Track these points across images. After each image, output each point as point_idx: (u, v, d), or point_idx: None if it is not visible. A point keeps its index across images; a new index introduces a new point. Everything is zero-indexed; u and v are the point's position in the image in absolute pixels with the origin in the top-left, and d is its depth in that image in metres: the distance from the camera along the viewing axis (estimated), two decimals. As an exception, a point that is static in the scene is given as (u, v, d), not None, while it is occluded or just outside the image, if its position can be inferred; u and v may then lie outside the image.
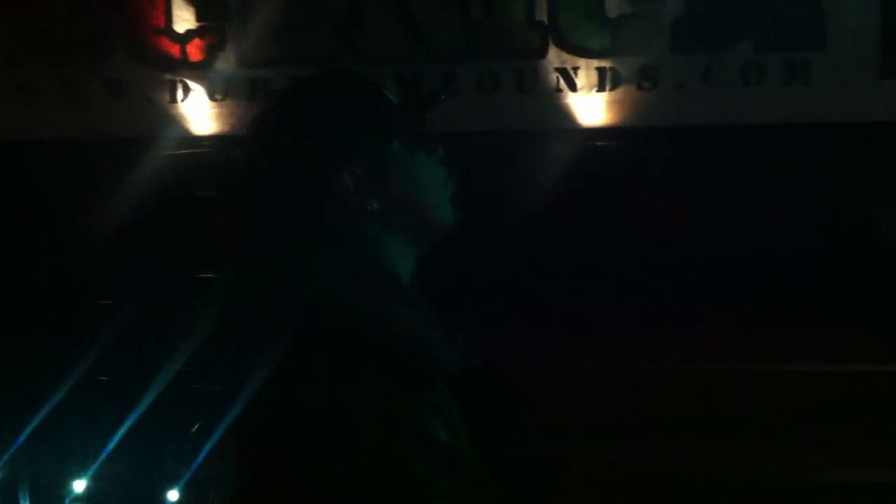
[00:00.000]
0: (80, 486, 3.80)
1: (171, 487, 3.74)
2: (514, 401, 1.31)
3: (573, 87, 4.50)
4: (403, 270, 1.34)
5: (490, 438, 1.21)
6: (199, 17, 4.73)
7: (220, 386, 1.26)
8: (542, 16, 4.49)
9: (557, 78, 4.50)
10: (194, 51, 4.75)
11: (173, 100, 4.77)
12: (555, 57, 4.50)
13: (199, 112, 4.75)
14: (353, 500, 1.08)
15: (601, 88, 4.48)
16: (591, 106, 4.48)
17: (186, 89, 4.76)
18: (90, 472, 3.77)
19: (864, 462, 3.77)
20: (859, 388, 4.15)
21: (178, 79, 4.77)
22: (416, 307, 1.26)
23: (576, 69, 4.49)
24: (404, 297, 1.27)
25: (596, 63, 4.49)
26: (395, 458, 1.09)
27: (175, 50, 4.76)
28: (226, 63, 4.73)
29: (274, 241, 1.30)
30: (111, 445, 3.68)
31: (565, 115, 4.49)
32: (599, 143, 4.48)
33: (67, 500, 3.77)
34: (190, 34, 4.74)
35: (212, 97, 4.74)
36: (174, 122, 4.75)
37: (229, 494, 1.23)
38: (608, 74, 4.48)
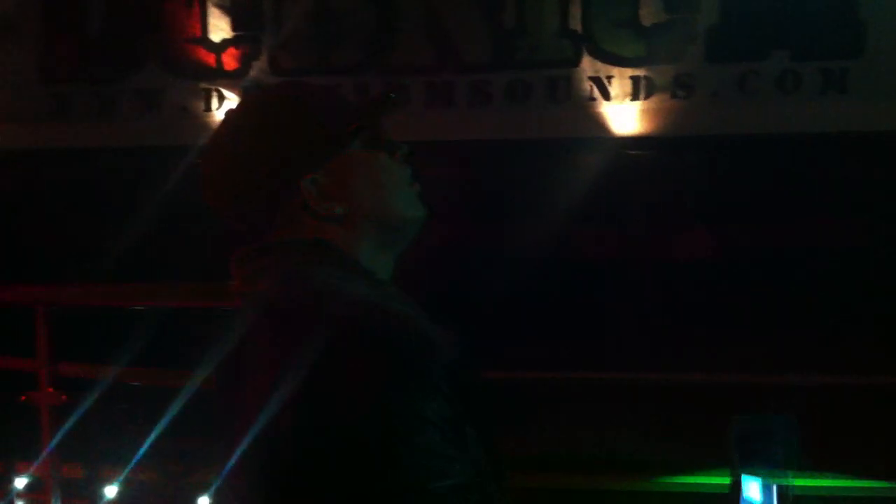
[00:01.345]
0: (111, 491, 3.83)
1: (202, 494, 3.76)
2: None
3: (607, 96, 4.47)
4: (382, 270, 1.35)
5: (481, 425, 1.22)
6: (234, 27, 4.78)
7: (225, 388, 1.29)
8: (576, 24, 4.48)
9: (591, 87, 4.48)
10: (229, 60, 4.80)
11: (208, 109, 4.82)
12: (588, 65, 4.48)
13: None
14: (352, 482, 1.10)
15: (635, 97, 4.45)
16: (624, 115, 4.45)
17: (221, 98, 4.80)
18: (121, 478, 3.80)
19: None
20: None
21: (213, 88, 4.82)
22: (399, 299, 1.27)
23: (609, 78, 4.46)
24: (385, 290, 1.29)
25: (630, 72, 4.46)
26: (404, 435, 1.10)
27: (210, 59, 4.81)
28: (260, 72, 4.77)
29: (252, 252, 1.32)
30: (142, 450, 3.70)
31: (599, 125, 4.46)
32: (633, 153, 4.45)
33: (98, 506, 3.80)
34: (225, 43, 4.79)
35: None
36: (208, 131, 4.77)
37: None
38: (642, 83, 4.45)
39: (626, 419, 3.96)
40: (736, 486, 2.66)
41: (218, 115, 4.84)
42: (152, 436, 3.62)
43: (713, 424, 2.85)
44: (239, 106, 1.38)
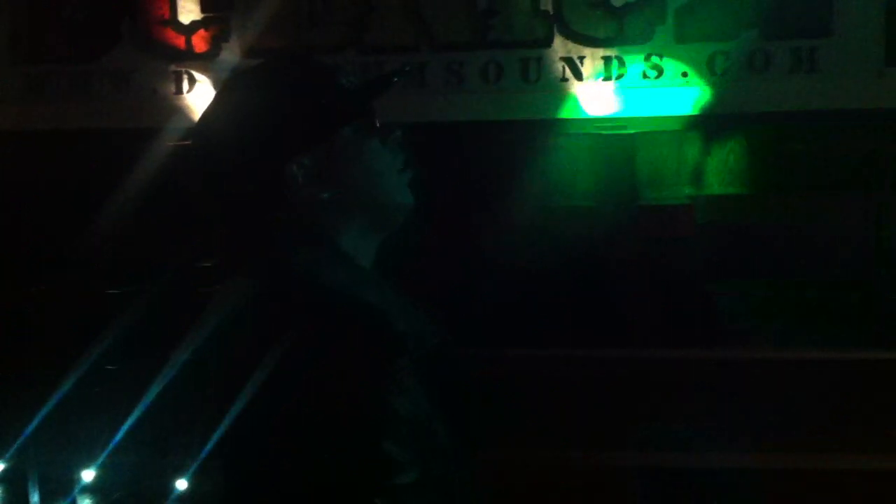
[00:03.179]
0: (88, 475, 3.81)
1: (180, 476, 3.75)
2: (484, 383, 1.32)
3: (579, 77, 4.49)
4: (364, 255, 1.33)
5: (454, 414, 1.22)
6: (204, 9, 4.74)
7: (208, 370, 1.29)
8: (548, 5, 4.49)
9: (563, 67, 4.50)
10: (199, 42, 4.76)
11: (178, 91, 4.78)
12: (560, 46, 4.50)
13: (204, 103, 4.74)
14: (317, 473, 1.10)
15: (607, 78, 4.48)
16: (597, 95, 4.47)
17: (192, 80, 4.77)
18: (98, 462, 3.78)
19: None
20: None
21: (182, 69, 4.78)
22: (377, 287, 1.26)
23: (581, 58, 4.49)
24: (363, 278, 1.28)
25: (602, 52, 4.48)
26: (358, 433, 1.10)
27: (180, 41, 4.76)
28: (231, 54, 4.74)
29: (232, 234, 1.31)
30: (119, 435, 3.69)
31: (571, 105, 4.49)
32: (606, 132, 4.48)
33: (76, 489, 3.78)
34: (195, 25, 4.74)
35: (217, 87, 4.73)
36: (178, 112, 4.74)
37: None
38: (614, 63, 4.47)
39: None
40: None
41: (187, 97, 4.80)
42: (130, 419, 3.62)
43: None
44: (231, 81, 1.34)
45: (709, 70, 4.39)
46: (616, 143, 4.49)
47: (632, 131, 4.49)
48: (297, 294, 1.19)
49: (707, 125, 4.44)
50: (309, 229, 1.27)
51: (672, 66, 4.43)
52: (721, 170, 4.54)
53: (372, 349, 1.13)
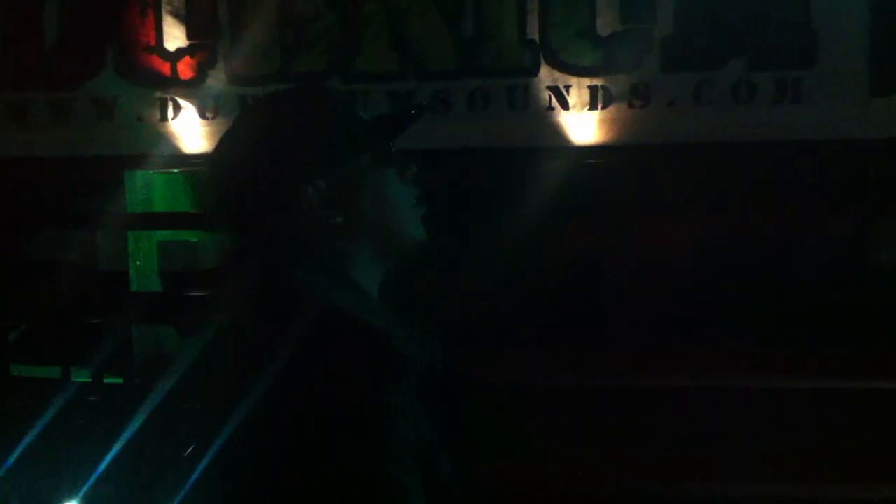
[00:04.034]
0: (70, 507, 3.75)
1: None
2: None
3: (565, 106, 4.50)
4: (370, 283, 1.34)
5: (453, 443, 1.22)
6: (189, 35, 4.73)
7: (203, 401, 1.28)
8: (534, 34, 4.51)
9: (549, 96, 4.51)
10: (185, 69, 4.75)
11: (163, 118, 4.76)
12: (546, 75, 4.51)
13: (189, 131, 4.74)
14: (322, 498, 1.09)
15: (593, 107, 4.49)
16: (583, 124, 4.49)
17: (177, 108, 4.75)
18: (81, 493, 3.72)
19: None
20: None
21: (168, 97, 4.76)
22: (381, 312, 1.28)
23: (567, 87, 4.50)
24: (367, 302, 1.29)
25: (588, 81, 4.50)
26: (361, 457, 1.09)
27: (165, 68, 4.75)
28: (216, 81, 4.73)
29: (242, 255, 1.32)
30: (102, 466, 3.64)
31: (557, 133, 4.49)
32: (592, 161, 4.49)
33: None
34: (180, 52, 4.74)
35: (202, 115, 4.73)
36: (163, 140, 4.73)
37: None
38: (600, 93, 4.49)
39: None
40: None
41: (173, 124, 4.78)
42: (115, 448, 3.57)
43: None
44: (253, 105, 1.38)
45: (694, 99, 4.41)
46: (601, 171, 4.51)
47: (616, 160, 4.50)
48: (297, 314, 1.17)
49: (692, 154, 4.45)
50: (318, 251, 1.28)
51: (658, 94, 4.45)
52: (705, 197, 4.56)
53: (374, 371, 1.13)
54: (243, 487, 1.16)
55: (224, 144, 1.35)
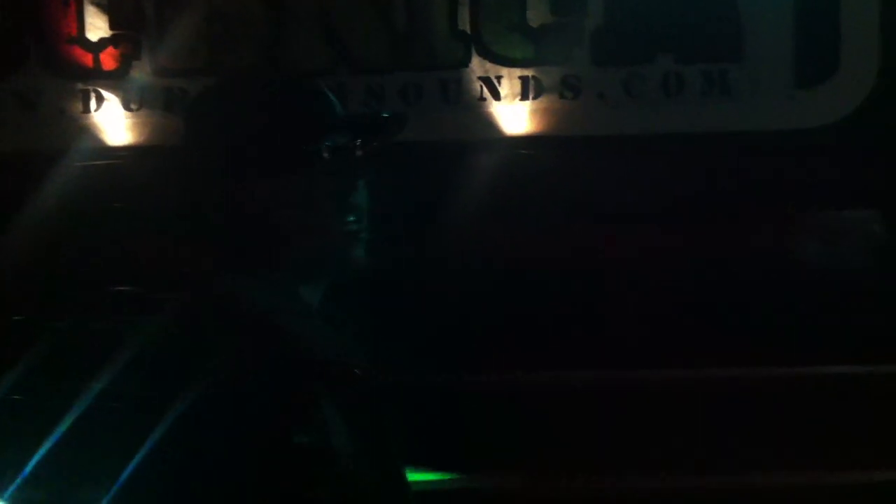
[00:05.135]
0: (-4, 511, 3.65)
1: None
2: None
3: (497, 97, 4.50)
4: (307, 292, 1.31)
5: (383, 456, 1.20)
6: (112, 26, 4.61)
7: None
8: (465, 25, 4.49)
9: (481, 87, 4.50)
10: (108, 60, 4.63)
11: (86, 110, 4.64)
12: (478, 66, 4.51)
13: (113, 123, 4.63)
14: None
15: (524, 98, 4.50)
16: (514, 115, 4.49)
17: (100, 99, 4.63)
18: (7, 494, 3.63)
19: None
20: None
21: (90, 88, 4.64)
22: (303, 318, 1.26)
23: (499, 78, 4.50)
24: (291, 307, 1.26)
25: (519, 72, 4.51)
26: (262, 467, 1.07)
27: (88, 59, 4.63)
28: (141, 73, 4.62)
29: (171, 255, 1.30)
30: (28, 468, 3.55)
31: (489, 125, 4.49)
32: (524, 152, 4.50)
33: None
34: (103, 43, 4.62)
35: (126, 107, 4.62)
36: (87, 133, 4.61)
37: None
38: (531, 83, 4.50)
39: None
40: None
41: (95, 116, 4.65)
42: (40, 452, 3.48)
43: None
44: (195, 100, 1.31)
45: (625, 91, 4.45)
46: (533, 163, 4.52)
47: (548, 151, 4.52)
48: (210, 317, 1.15)
49: (623, 146, 4.48)
50: (248, 253, 1.23)
51: (589, 86, 4.48)
52: (634, 191, 4.59)
53: (279, 375, 1.10)
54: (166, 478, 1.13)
55: (186, 127, 1.30)
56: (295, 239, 1.26)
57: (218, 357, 1.08)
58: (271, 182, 1.24)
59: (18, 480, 3.62)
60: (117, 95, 4.64)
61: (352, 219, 1.30)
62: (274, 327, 1.13)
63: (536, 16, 4.48)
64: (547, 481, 3.88)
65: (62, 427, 3.37)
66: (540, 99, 4.50)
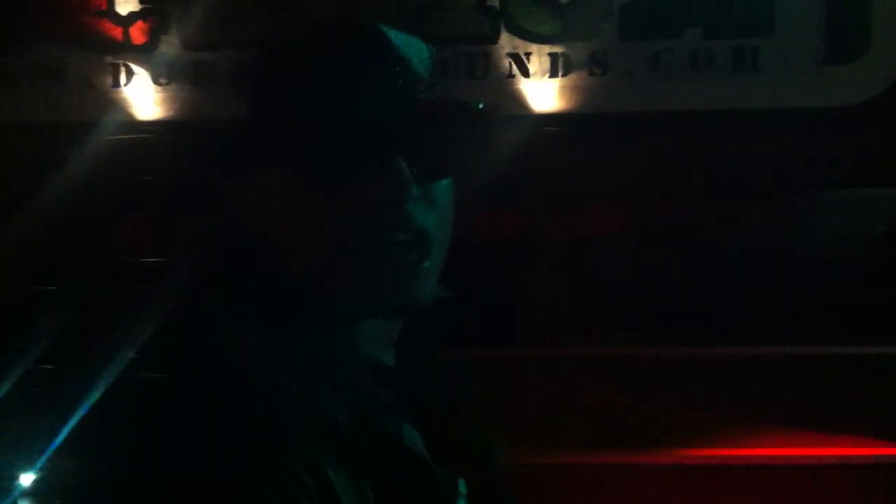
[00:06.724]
0: (27, 479, 3.69)
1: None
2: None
3: (525, 73, 4.49)
4: (362, 331, 0.98)
5: None
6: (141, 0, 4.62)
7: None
8: (494, 0, 4.47)
9: (510, 63, 4.49)
10: (137, 34, 4.64)
11: (116, 84, 4.65)
12: (507, 42, 4.49)
13: (142, 96, 4.64)
14: None
15: (553, 74, 4.48)
16: (543, 91, 4.47)
17: (129, 73, 4.65)
18: (38, 465, 3.66)
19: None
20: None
21: (120, 62, 4.65)
22: (308, 354, 0.91)
23: (528, 55, 4.48)
24: (295, 346, 0.92)
25: (548, 49, 4.48)
26: None
27: (117, 33, 4.64)
28: (169, 46, 4.63)
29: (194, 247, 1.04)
30: (60, 439, 3.57)
31: (517, 101, 4.48)
32: (551, 129, 4.48)
33: (15, 494, 3.66)
34: (133, 16, 4.62)
35: (156, 81, 4.63)
36: (117, 106, 4.63)
37: None
38: (560, 60, 4.48)
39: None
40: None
41: (125, 90, 4.67)
42: (71, 422, 3.50)
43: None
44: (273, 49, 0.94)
45: (653, 67, 4.42)
46: (560, 139, 4.50)
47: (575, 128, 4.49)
48: (192, 386, 0.88)
49: (650, 122, 4.46)
50: (235, 270, 0.96)
51: (616, 62, 4.45)
52: (665, 168, 4.57)
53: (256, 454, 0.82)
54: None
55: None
56: (282, 248, 0.94)
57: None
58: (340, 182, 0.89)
59: (50, 450, 3.65)
60: (146, 69, 4.65)
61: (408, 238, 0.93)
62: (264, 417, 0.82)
63: (565, -9, 4.45)
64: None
65: (94, 396, 3.41)
66: (569, 76, 4.47)
